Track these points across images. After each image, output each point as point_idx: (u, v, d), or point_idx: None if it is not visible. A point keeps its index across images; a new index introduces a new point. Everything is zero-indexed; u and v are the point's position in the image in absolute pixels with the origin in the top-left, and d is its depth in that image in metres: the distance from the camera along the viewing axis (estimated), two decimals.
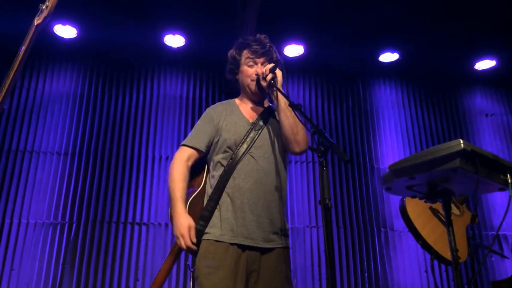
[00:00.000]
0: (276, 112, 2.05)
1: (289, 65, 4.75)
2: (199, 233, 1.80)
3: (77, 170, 4.27)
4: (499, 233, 4.58)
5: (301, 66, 4.89)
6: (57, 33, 4.24)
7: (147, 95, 4.66)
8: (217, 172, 1.89)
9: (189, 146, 1.95)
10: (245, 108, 2.05)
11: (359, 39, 4.49)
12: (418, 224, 2.68)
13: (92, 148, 4.36)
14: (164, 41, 4.40)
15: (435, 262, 4.17)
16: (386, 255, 4.40)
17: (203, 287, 1.72)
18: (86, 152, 4.33)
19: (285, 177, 1.98)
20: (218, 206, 1.84)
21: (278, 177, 1.91)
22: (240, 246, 1.78)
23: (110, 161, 4.35)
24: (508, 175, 1.42)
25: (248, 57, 2.02)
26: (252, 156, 1.89)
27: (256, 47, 2.01)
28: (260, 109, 2.05)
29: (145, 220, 4.19)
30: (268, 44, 2.03)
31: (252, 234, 1.79)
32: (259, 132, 1.95)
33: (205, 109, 2.13)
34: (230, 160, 1.87)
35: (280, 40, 4.45)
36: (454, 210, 2.86)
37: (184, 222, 1.76)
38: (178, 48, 4.49)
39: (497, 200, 4.76)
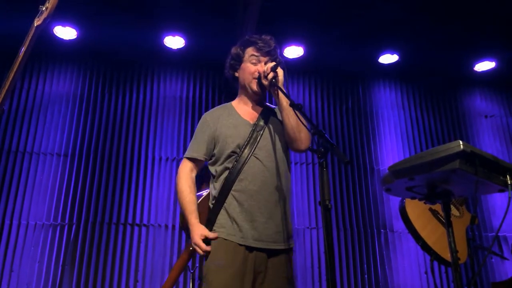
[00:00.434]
0: (275, 110, 2.05)
1: (289, 66, 4.74)
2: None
3: (76, 171, 4.27)
4: (499, 234, 4.58)
5: (300, 67, 4.89)
6: (57, 34, 4.25)
7: (147, 96, 4.66)
8: (222, 175, 1.91)
9: (190, 158, 2.00)
10: (243, 110, 2.05)
11: (359, 40, 4.49)
12: (418, 225, 2.68)
13: (92, 149, 4.36)
14: (164, 43, 4.40)
15: (435, 263, 4.18)
16: (386, 257, 4.40)
17: (211, 284, 1.73)
18: (86, 153, 4.34)
19: (289, 176, 1.99)
20: (225, 208, 1.85)
21: (283, 177, 1.92)
22: (248, 247, 1.79)
23: (110, 162, 4.34)
24: (508, 176, 1.42)
25: (252, 55, 2.02)
26: (257, 158, 1.89)
27: (262, 45, 2.01)
28: (260, 109, 2.05)
29: (145, 221, 4.18)
30: (274, 45, 2.04)
31: (262, 236, 1.80)
32: (261, 132, 1.95)
33: (205, 110, 2.14)
34: (235, 163, 1.88)
35: (280, 41, 4.42)
36: (454, 211, 2.86)
37: (198, 232, 1.82)
38: (178, 49, 4.49)
39: (497, 201, 4.76)
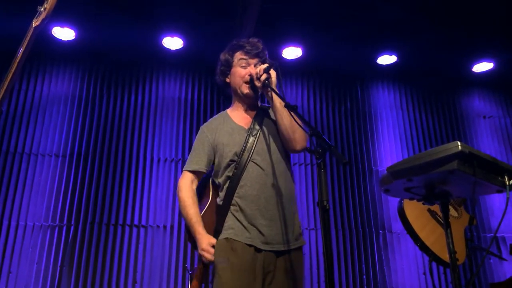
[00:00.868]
0: (269, 111, 2.06)
1: (287, 67, 4.77)
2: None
3: (75, 172, 4.26)
4: (497, 235, 4.59)
5: (299, 68, 4.89)
6: (55, 35, 4.24)
7: (145, 97, 4.66)
8: (225, 185, 1.93)
9: (190, 171, 2.01)
10: (237, 116, 2.06)
11: (358, 41, 4.50)
12: (416, 226, 2.68)
13: (90, 150, 4.35)
14: (163, 43, 4.40)
15: (434, 264, 4.18)
16: (384, 257, 4.40)
17: (221, 279, 1.74)
18: (84, 154, 4.33)
19: (290, 176, 1.99)
20: (231, 214, 1.88)
21: (283, 177, 1.92)
22: (256, 248, 1.81)
23: (108, 163, 4.34)
24: (506, 177, 1.42)
25: (241, 58, 2.03)
26: (255, 163, 1.90)
27: (249, 48, 2.02)
28: (253, 113, 2.06)
29: (143, 222, 4.18)
30: (261, 47, 2.04)
31: (267, 239, 1.82)
32: (257, 136, 1.96)
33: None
34: (235, 170, 1.90)
35: (279, 42, 4.46)
36: (452, 212, 2.86)
37: (205, 240, 1.85)
38: (177, 50, 4.49)
39: (495, 202, 4.77)
